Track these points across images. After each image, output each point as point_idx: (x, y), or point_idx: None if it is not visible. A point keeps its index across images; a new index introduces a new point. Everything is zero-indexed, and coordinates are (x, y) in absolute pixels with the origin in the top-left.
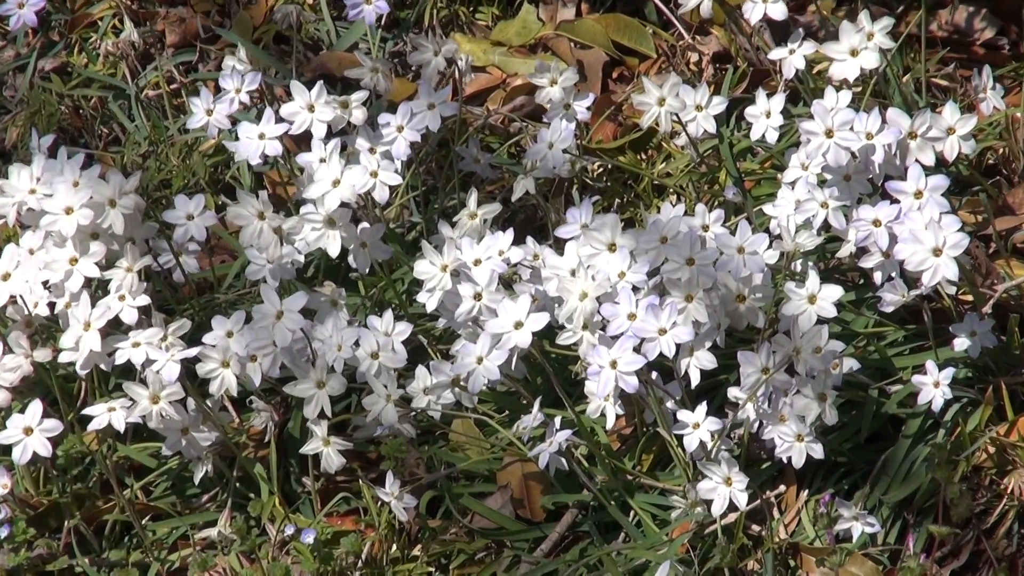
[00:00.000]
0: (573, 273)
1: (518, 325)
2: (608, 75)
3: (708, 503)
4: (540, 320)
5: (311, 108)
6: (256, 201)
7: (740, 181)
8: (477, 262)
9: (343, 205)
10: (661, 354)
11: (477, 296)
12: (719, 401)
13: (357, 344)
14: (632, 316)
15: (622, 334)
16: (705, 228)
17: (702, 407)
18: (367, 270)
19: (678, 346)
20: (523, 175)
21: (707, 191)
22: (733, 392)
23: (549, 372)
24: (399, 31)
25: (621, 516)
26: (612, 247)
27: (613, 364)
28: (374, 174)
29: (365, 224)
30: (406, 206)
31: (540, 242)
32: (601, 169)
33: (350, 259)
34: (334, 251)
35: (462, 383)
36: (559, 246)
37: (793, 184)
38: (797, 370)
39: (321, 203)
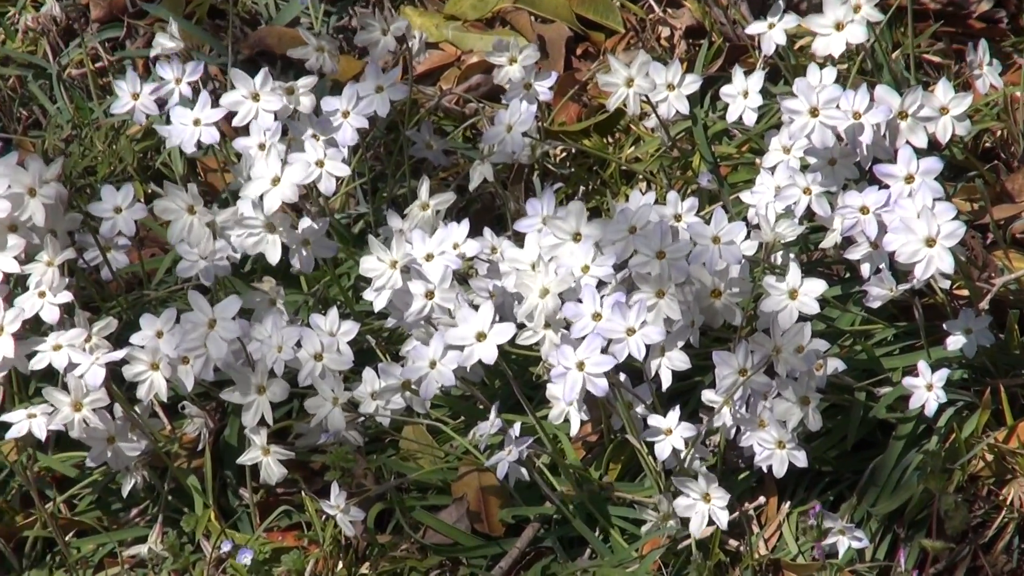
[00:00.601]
0: (534, 267)
1: (480, 337)
2: (572, 52)
3: (685, 521)
4: (505, 332)
5: (255, 97)
6: (185, 194)
7: (715, 166)
8: (429, 257)
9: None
10: (630, 355)
11: (429, 294)
12: (693, 405)
13: (299, 345)
14: (597, 316)
15: (588, 335)
16: (677, 218)
17: (675, 412)
18: (311, 270)
19: (648, 347)
20: (479, 161)
21: (679, 177)
22: (708, 395)
23: (508, 375)
24: (344, 3)
25: (587, 531)
26: (577, 236)
27: (580, 366)
28: (319, 163)
29: (307, 221)
30: (352, 195)
31: (498, 233)
32: (564, 154)
33: (292, 260)
34: (274, 257)
35: (413, 387)
36: (519, 238)
37: (773, 169)
38: (778, 371)
39: (260, 205)
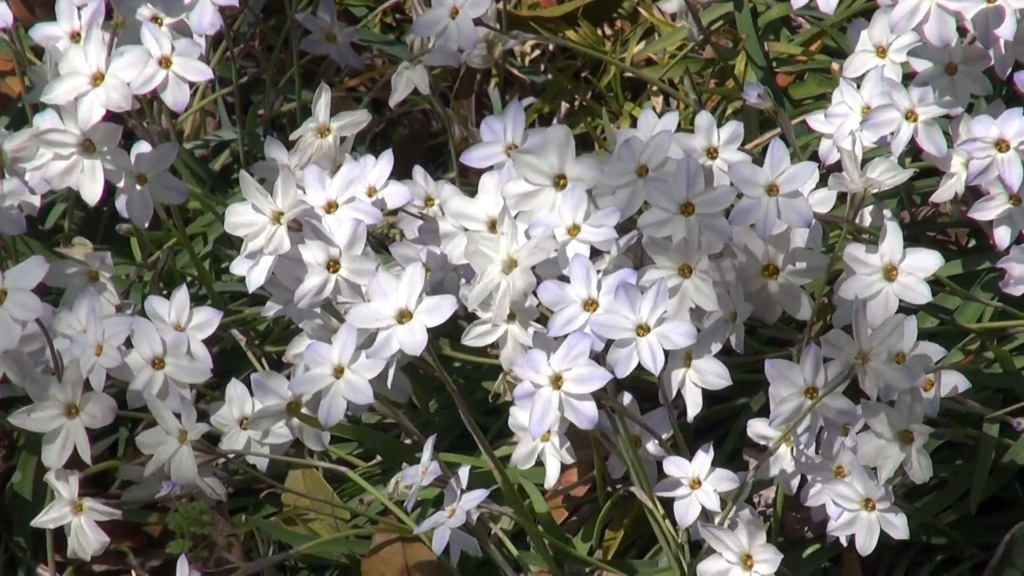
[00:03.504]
0: (493, 227)
1: (403, 316)
2: None
3: None
4: (441, 307)
5: None
6: None
7: (770, 74)
8: (331, 207)
9: (110, 117)
10: (640, 365)
11: (332, 265)
12: (733, 443)
13: (130, 344)
14: (591, 304)
15: (575, 332)
16: (711, 153)
17: (705, 453)
18: (146, 222)
19: (667, 352)
20: (408, 63)
21: (715, 91)
22: (757, 427)
23: (452, 391)
24: None
25: None
26: (560, 181)
27: (557, 381)
28: (165, 63)
29: (144, 145)
30: (211, 112)
31: (436, 174)
32: (538, 53)
33: (118, 204)
34: (92, 194)
35: (305, 410)
36: (469, 180)
37: (860, 80)
38: (865, 390)
39: (71, 114)
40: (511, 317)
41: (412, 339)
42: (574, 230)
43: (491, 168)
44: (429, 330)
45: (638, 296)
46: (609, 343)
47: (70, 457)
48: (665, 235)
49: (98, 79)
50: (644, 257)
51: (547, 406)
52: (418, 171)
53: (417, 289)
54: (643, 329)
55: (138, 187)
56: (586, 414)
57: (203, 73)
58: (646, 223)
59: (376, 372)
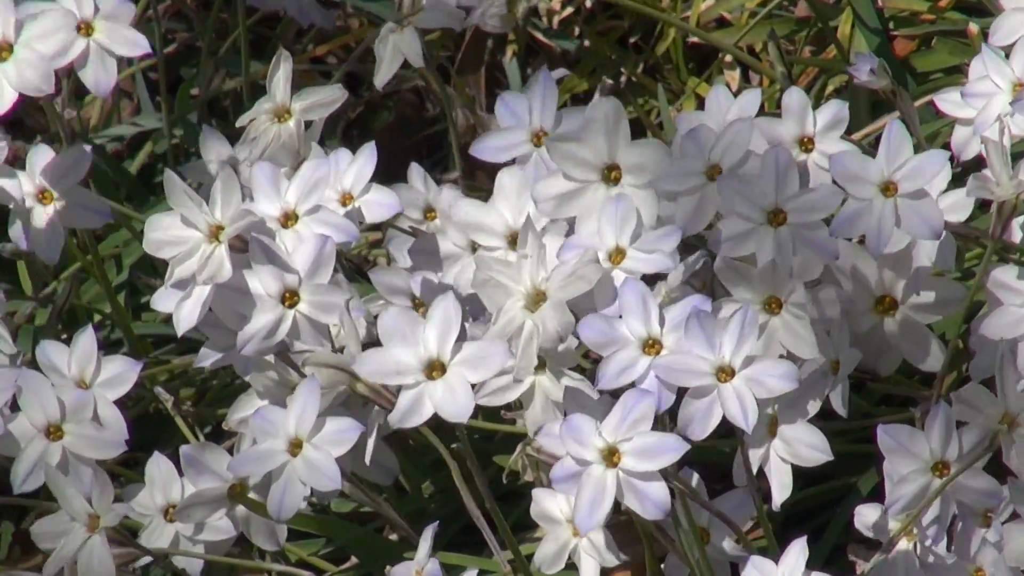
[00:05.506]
0: (514, 242)
1: (434, 369)
2: None
3: None
4: (490, 357)
5: None
6: None
7: (886, 39)
8: (289, 219)
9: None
10: (726, 421)
11: (289, 297)
12: (835, 537)
13: (16, 406)
14: (653, 344)
15: (633, 389)
16: (806, 144)
17: (797, 550)
18: (56, 256)
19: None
20: (395, 25)
21: (810, 61)
22: (867, 515)
23: (453, 470)
24: None
25: None
26: (612, 173)
27: (613, 456)
28: (85, 28)
29: (46, 151)
30: (127, 93)
31: (434, 176)
32: (571, 11)
33: (12, 232)
34: None
35: (254, 494)
36: (477, 185)
37: (1011, 48)
38: (1011, 467)
39: None
40: (540, 366)
41: (453, 400)
42: (617, 255)
43: (512, 163)
44: (474, 386)
45: (717, 328)
46: (681, 393)
47: None
48: (746, 253)
49: (4, 51)
50: (716, 288)
51: (600, 491)
52: (415, 171)
53: (453, 331)
54: (725, 373)
55: (42, 208)
56: (655, 500)
57: (137, 45)
58: (721, 238)
59: (346, 447)
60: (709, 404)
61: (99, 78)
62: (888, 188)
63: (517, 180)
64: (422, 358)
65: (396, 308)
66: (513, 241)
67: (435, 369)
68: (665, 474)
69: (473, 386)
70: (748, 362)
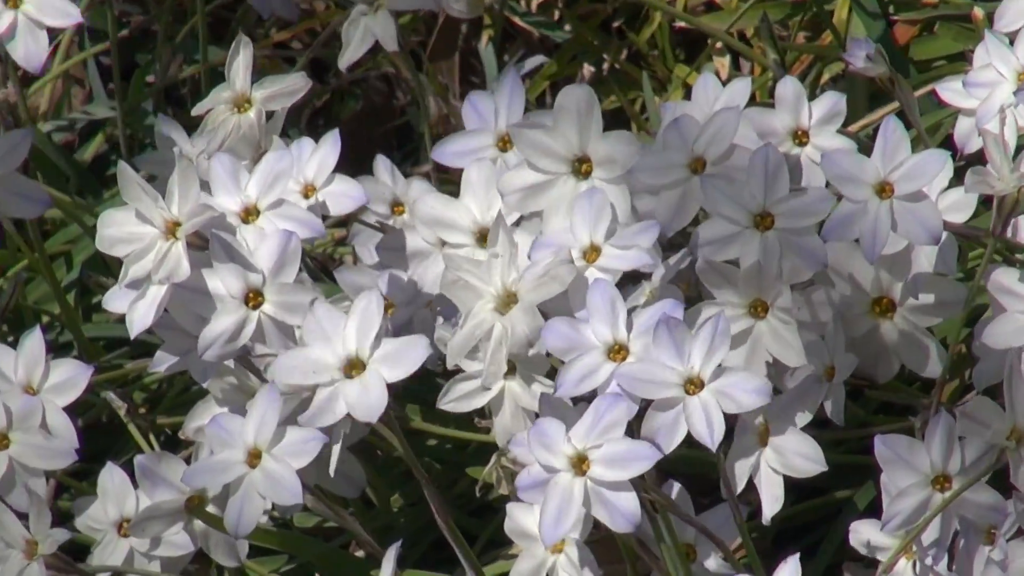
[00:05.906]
0: (483, 239)
1: (353, 367)
2: None
3: None
4: (408, 354)
5: None
6: None
7: (886, 24)
8: (251, 214)
9: None
10: (691, 435)
11: (252, 297)
12: (830, 555)
13: None
14: (619, 349)
15: (605, 395)
16: (800, 137)
17: (788, 567)
18: None
19: (730, 421)
20: (364, 7)
21: (804, 47)
22: (864, 532)
23: (423, 481)
24: None
25: None
26: (582, 166)
27: (582, 463)
28: (11, 1)
29: None
30: (78, 80)
31: (405, 168)
32: None
33: None
34: None
35: (213, 507)
36: (451, 178)
37: (1015, 34)
38: (1016, 484)
39: None
40: (511, 371)
41: (366, 399)
42: (592, 253)
43: (481, 158)
44: (391, 387)
45: (686, 336)
46: (646, 405)
47: None
48: (730, 258)
49: None
50: (700, 289)
51: (567, 500)
52: (381, 162)
53: (373, 328)
54: (694, 384)
55: None
56: (624, 511)
57: (68, 15)
58: (703, 241)
59: (308, 458)
60: (675, 417)
61: (30, 51)
62: (884, 189)
63: (485, 174)
64: (341, 356)
65: (323, 305)
66: (481, 238)
67: (355, 367)
68: (637, 487)
69: (395, 385)
70: (718, 373)
